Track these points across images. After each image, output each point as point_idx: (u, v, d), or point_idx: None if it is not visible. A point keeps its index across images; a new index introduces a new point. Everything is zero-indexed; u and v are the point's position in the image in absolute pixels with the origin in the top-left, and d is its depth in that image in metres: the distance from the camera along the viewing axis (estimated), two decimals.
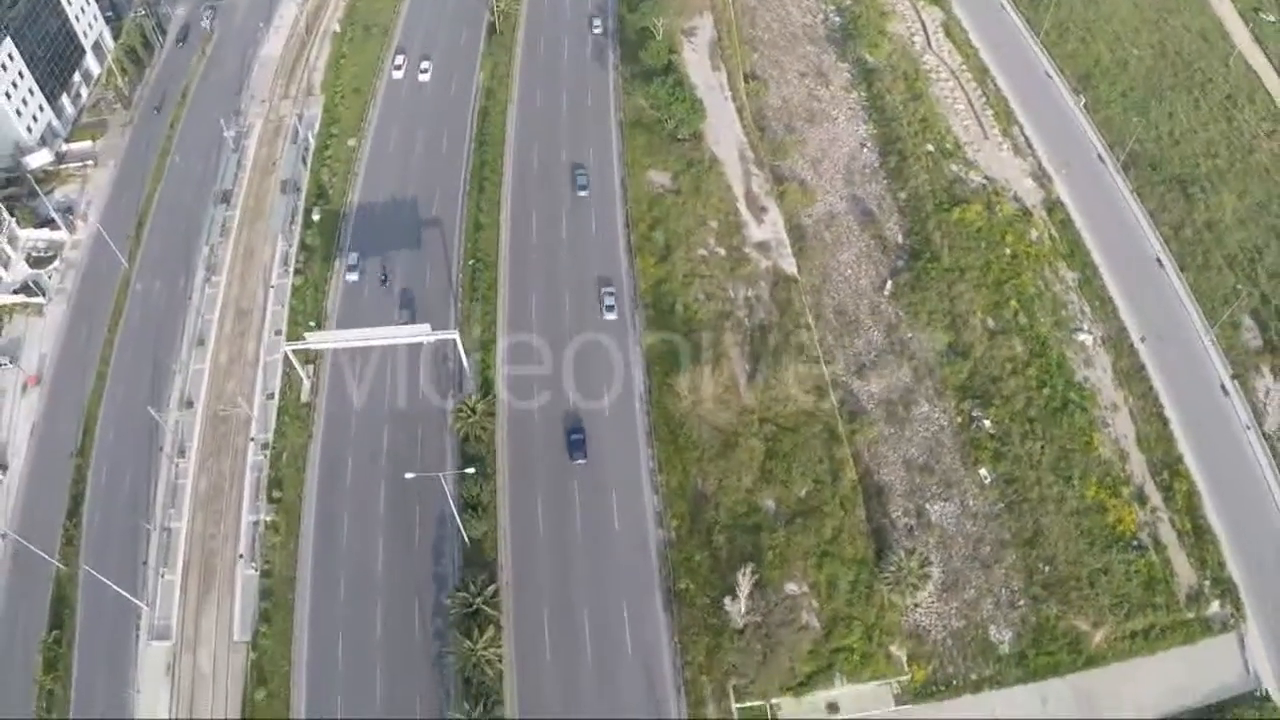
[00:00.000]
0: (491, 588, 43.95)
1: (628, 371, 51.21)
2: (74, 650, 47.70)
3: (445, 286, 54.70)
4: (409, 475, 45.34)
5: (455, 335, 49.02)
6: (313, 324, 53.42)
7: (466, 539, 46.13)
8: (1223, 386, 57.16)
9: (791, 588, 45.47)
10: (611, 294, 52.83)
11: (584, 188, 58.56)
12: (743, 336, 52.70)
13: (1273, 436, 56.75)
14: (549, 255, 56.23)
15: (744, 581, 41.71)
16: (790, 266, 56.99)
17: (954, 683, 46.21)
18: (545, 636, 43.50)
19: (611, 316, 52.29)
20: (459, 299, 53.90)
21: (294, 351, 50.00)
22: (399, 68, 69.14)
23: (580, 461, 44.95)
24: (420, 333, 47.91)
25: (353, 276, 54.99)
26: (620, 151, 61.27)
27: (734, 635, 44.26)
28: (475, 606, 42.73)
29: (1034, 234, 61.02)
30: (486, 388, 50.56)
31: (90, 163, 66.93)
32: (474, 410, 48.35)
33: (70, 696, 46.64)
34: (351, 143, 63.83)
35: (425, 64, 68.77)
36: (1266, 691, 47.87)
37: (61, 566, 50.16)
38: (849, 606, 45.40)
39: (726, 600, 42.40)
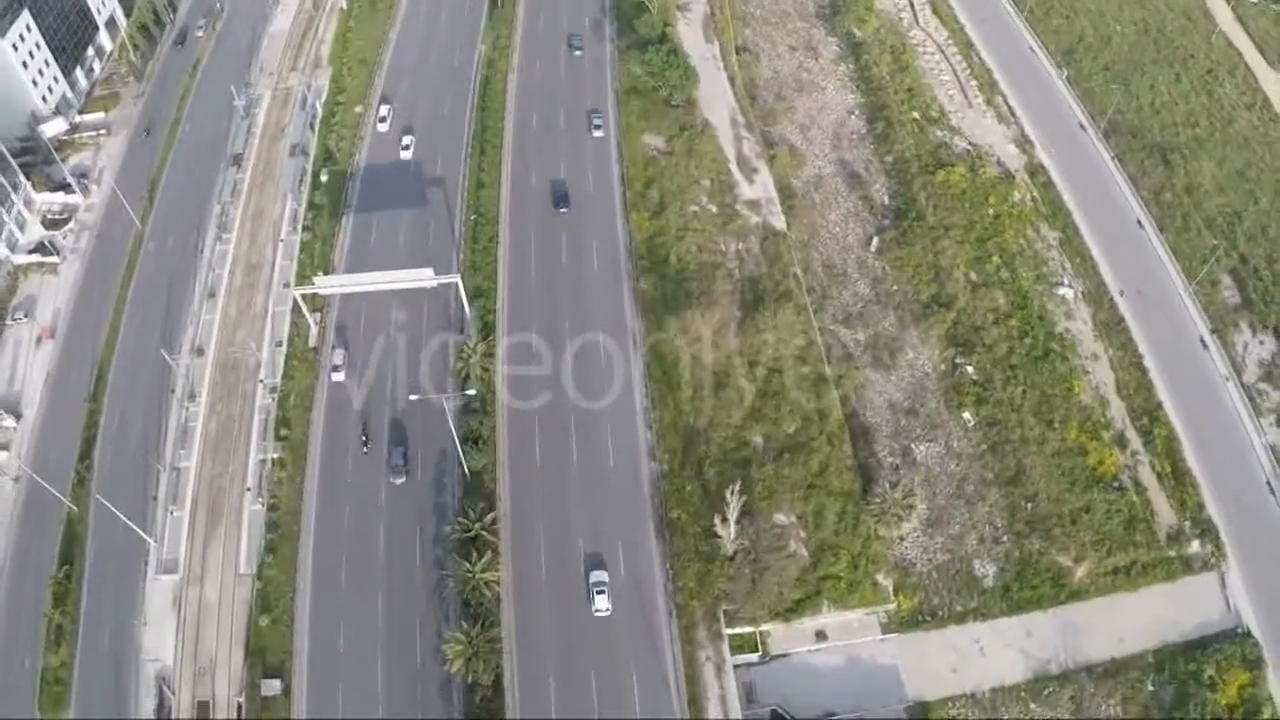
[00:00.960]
0: (490, 515, 46.89)
1: (621, 312, 54.44)
2: (83, 586, 50.61)
3: (448, 240, 58.08)
4: (413, 396, 48.80)
5: (457, 279, 52.19)
6: (321, 272, 56.64)
7: (467, 471, 49.08)
8: (1202, 340, 60.55)
9: (780, 518, 48.29)
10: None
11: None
12: (733, 286, 56.12)
13: (1251, 388, 60.07)
14: (546, 217, 58.82)
15: (732, 502, 44.45)
16: (780, 223, 60.58)
17: (939, 614, 49.08)
18: (541, 562, 46.11)
19: (605, 268, 55.28)
20: (461, 251, 57.20)
21: (302, 296, 53.32)
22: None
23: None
24: (424, 276, 50.90)
25: (338, 376, 51.14)
26: (616, 117, 65.01)
27: (724, 562, 47.17)
28: (474, 533, 45.69)
29: (1016, 196, 64.60)
30: (486, 331, 53.75)
31: (103, 132, 70.93)
32: (474, 350, 51.43)
33: (78, 630, 49.51)
34: (358, 109, 67.73)
35: (430, 36, 72.08)
36: (1247, 628, 50.38)
37: (73, 507, 53.12)
38: (836, 537, 48.16)
39: (715, 521, 45.12)
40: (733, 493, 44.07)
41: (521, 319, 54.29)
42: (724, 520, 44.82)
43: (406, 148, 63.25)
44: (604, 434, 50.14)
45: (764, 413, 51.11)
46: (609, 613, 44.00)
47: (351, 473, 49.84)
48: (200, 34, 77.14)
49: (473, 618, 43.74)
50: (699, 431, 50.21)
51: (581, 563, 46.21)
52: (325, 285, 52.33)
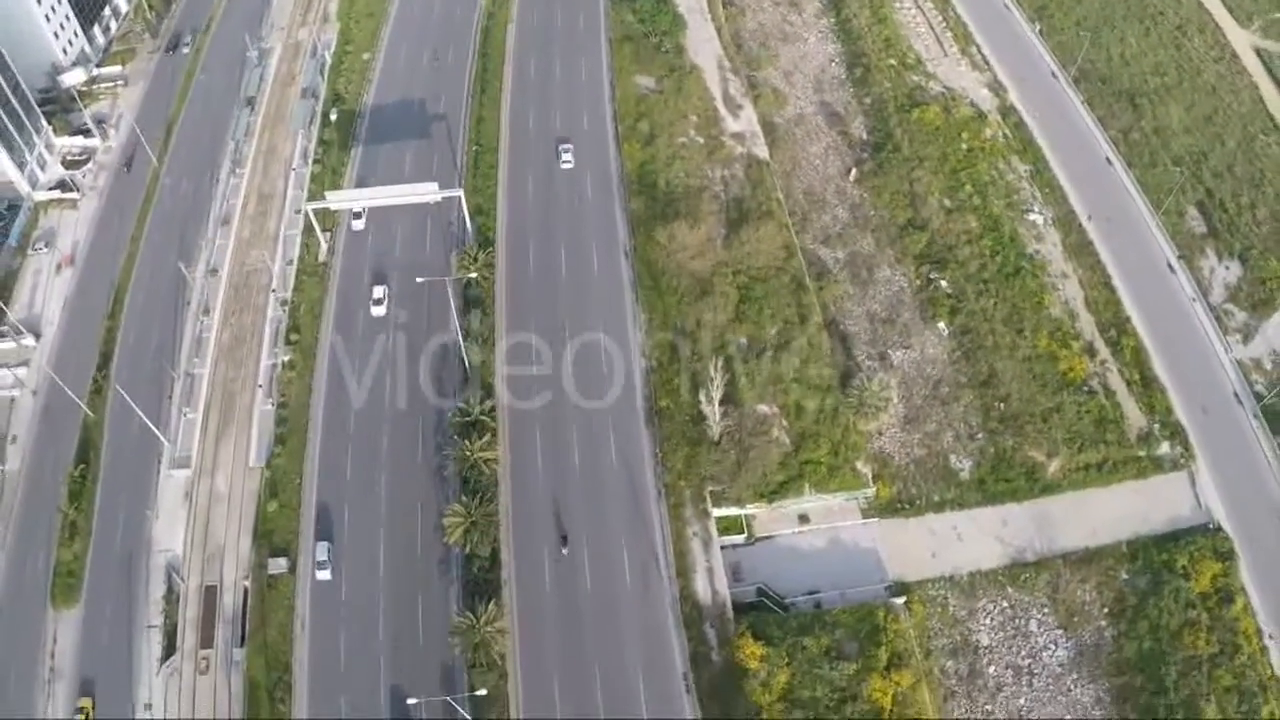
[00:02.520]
0: (489, 403, 51.87)
1: (613, 229, 60.14)
2: (98, 484, 55.35)
3: (451, 168, 63.89)
4: (420, 279, 54.07)
5: (460, 193, 58.26)
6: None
7: (468, 365, 54.21)
8: (1169, 264, 66.92)
9: (763, 409, 53.67)
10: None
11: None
12: (719, 207, 62.33)
13: (1218, 308, 66.05)
14: (544, 142, 65.46)
15: (716, 379, 49.37)
16: (763, 153, 67.02)
17: (917, 503, 54.26)
18: (537, 443, 51.11)
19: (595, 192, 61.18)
20: (463, 176, 63.08)
21: (314, 213, 58.83)
22: None
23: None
24: (429, 190, 56.55)
25: (324, 574, 48.49)
26: (609, 61, 71.84)
27: (710, 446, 52.26)
28: (474, 417, 50.53)
29: (988, 132, 71.10)
30: (486, 243, 59.42)
31: (121, 83, 77.32)
32: (475, 259, 57.19)
33: (91, 525, 53.97)
34: (366, 56, 74.65)
35: None
36: (1218, 524, 55.42)
37: (90, 413, 58.12)
38: (816, 426, 53.32)
39: (701, 399, 50.16)
40: (716, 369, 49.19)
41: (519, 234, 60.06)
42: (709, 399, 49.80)
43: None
44: (597, 338, 54.96)
45: (747, 315, 56.72)
46: (604, 486, 48.03)
47: (358, 369, 54.07)
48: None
49: (472, 493, 48.24)
50: (686, 332, 55.54)
51: (576, 447, 50.26)
52: (336, 200, 58.10)
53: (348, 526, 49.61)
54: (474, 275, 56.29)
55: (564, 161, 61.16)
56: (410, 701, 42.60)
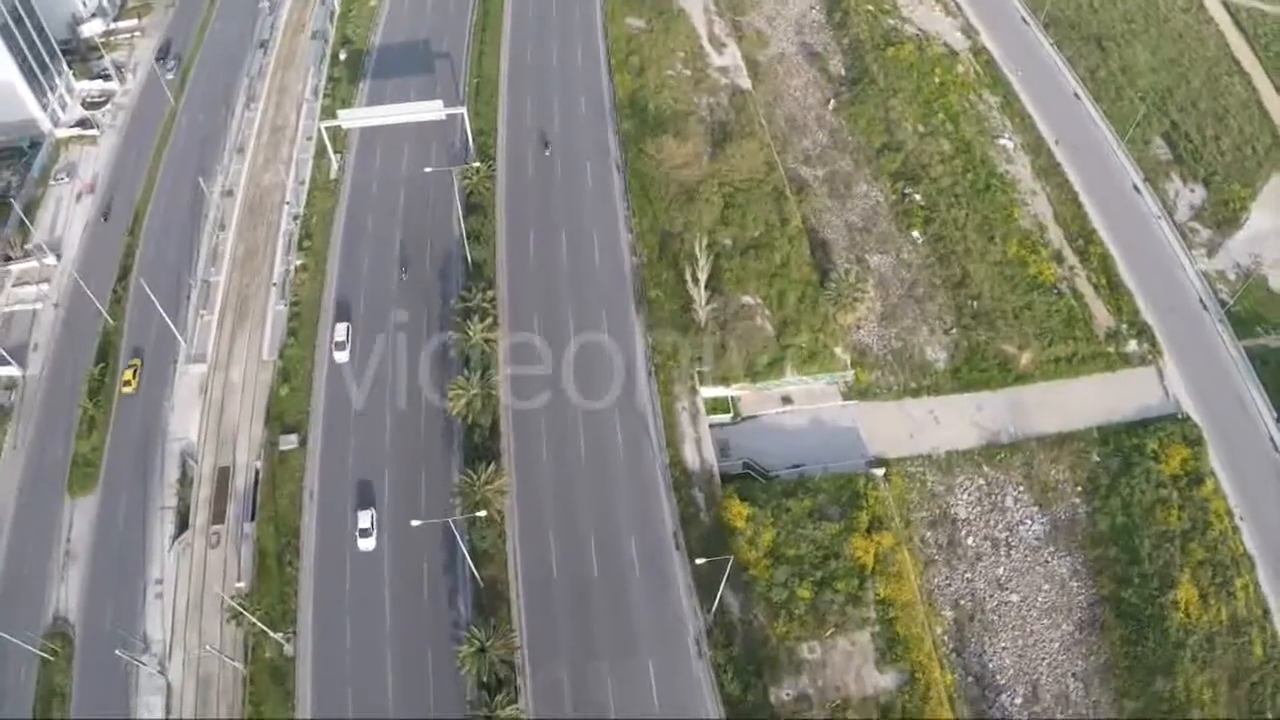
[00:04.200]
0: (490, 293, 57.95)
1: (605, 145, 66.96)
2: (117, 380, 60.69)
3: (454, 98, 70.21)
4: (427, 169, 61.00)
5: (463, 110, 65.37)
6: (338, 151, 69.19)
7: (470, 260, 60.52)
8: (1135, 187, 73.75)
9: (747, 299, 59.81)
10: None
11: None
12: (705, 128, 69.43)
13: (1183, 225, 72.21)
14: (540, 74, 73.06)
15: (701, 259, 54.81)
16: (746, 84, 74.40)
17: (895, 388, 60.01)
18: (535, 329, 56.83)
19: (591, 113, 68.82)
20: (465, 101, 69.33)
21: (325, 130, 65.40)
22: None
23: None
24: (434, 108, 63.24)
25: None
26: (602, 4, 79.30)
27: (697, 330, 58.20)
28: (475, 304, 56.46)
29: (960, 69, 78.40)
30: (487, 158, 66.04)
31: (138, 33, 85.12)
32: (477, 172, 63.88)
33: (109, 419, 59.37)
34: (373, 3, 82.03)
35: None
36: (1187, 414, 60.81)
37: (109, 319, 64.10)
38: (797, 314, 59.46)
39: (688, 279, 55.88)
40: (701, 249, 55.12)
41: (518, 152, 66.88)
42: (694, 280, 55.58)
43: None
44: (589, 237, 61.65)
45: (731, 219, 63.32)
46: (597, 368, 53.12)
47: (367, 270, 60.57)
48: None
49: (473, 369, 53.93)
50: (674, 234, 61.90)
51: (571, 331, 55.89)
52: (347, 118, 64.85)
53: (355, 405, 54.42)
54: (477, 167, 62.70)
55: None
56: (414, 523, 46.83)
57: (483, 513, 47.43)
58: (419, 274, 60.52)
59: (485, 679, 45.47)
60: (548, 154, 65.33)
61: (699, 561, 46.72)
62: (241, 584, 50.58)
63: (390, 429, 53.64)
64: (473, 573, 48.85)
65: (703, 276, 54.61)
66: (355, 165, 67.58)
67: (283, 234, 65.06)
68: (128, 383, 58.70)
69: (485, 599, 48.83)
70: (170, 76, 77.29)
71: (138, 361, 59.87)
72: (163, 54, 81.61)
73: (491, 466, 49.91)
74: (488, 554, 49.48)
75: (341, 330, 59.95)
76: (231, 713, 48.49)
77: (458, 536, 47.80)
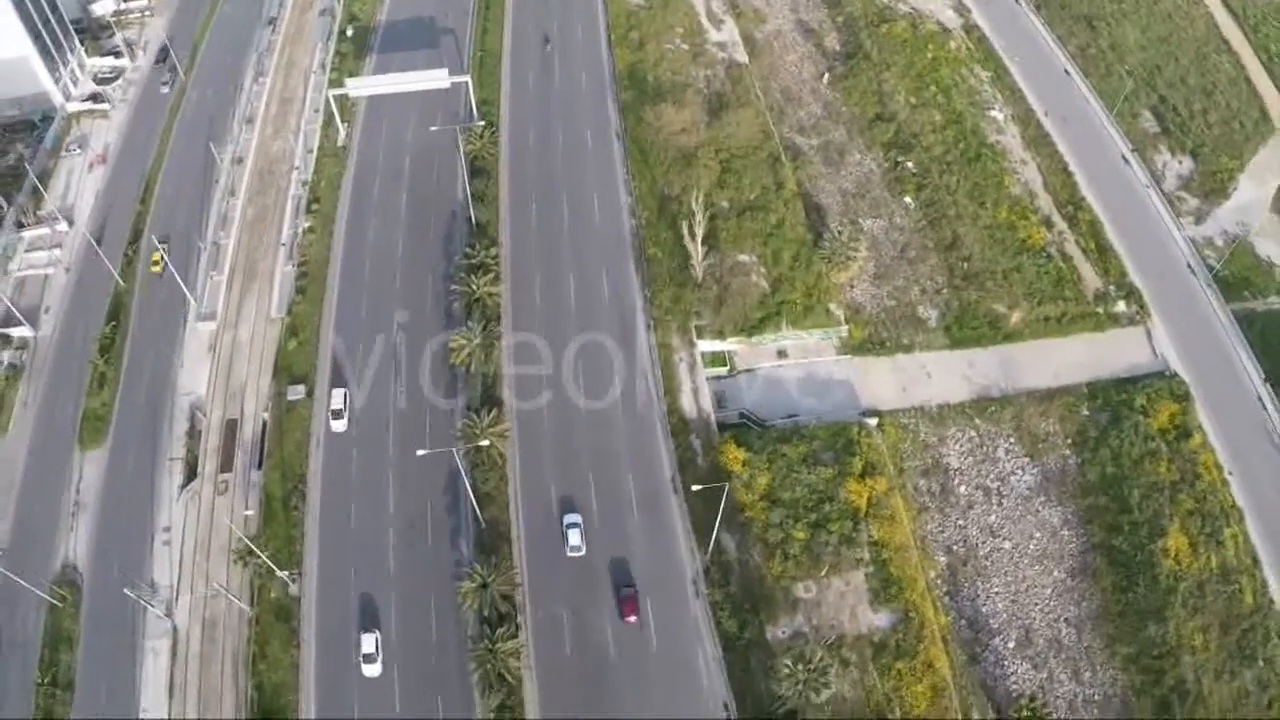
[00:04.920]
0: (493, 250, 61.04)
1: (605, 114, 70.16)
2: (127, 339, 63.69)
3: (458, 71, 72.58)
4: (434, 128, 63.94)
5: (467, 78, 69.00)
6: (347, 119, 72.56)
7: (474, 221, 63.31)
8: (1123, 157, 76.87)
9: (742, 257, 62.66)
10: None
11: None
12: (702, 99, 72.73)
13: (1171, 195, 75.20)
14: (542, 50, 76.13)
15: (698, 212, 57.56)
16: (743, 59, 77.72)
17: (887, 344, 62.79)
18: (536, 284, 59.80)
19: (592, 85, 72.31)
20: (469, 73, 73.15)
21: (334, 98, 68.74)
22: None
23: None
24: (439, 76, 66.56)
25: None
26: None
27: (694, 286, 61.09)
28: (479, 260, 59.31)
29: (952, 45, 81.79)
30: (491, 123, 69.16)
31: (148, 12, 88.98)
32: (481, 136, 67.18)
33: (120, 375, 61.93)
34: None
35: None
36: (1175, 372, 63.27)
37: (120, 281, 66.67)
38: (792, 272, 62.32)
39: (684, 232, 58.67)
40: (697, 203, 57.90)
41: (520, 120, 69.86)
42: (691, 235, 58.31)
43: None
44: (590, 199, 64.59)
45: (728, 183, 66.40)
46: (596, 318, 55.98)
47: (374, 232, 63.47)
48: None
49: (477, 319, 56.46)
50: (672, 197, 64.92)
51: (571, 287, 58.64)
52: (355, 86, 68.31)
53: (361, 359, 56.92)
54: (483, 125, 66.18)
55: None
56: (420, 452, 49.28)
57: (486, 442, 49.49)
58: (421, 236, 62.54)
59: (486, 613, 47.60)
60: (548, 48, 69.49)
61: (695, 489, 48.73)
62: (250, 512, 52.30)
63: (396, 373, 55.46)
64: (475, 513, 50.87)
65: (699, 232, 57.45)
66: (362, 133, 70.85)
67: (291, 198, 68.16)
68: (155, 263, 64.07)
69: (487, 539, 50.78)
70: (165, 90, 77.06)
71: (165, 247, 64.27)
72: (161, 57, 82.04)
73: (494, 411, 52.60)
74: (489, 496, 51.64)
75: (339, 397, 57.00)
76: (237, 653, 50.20)
77: (461, 471, 49.45)
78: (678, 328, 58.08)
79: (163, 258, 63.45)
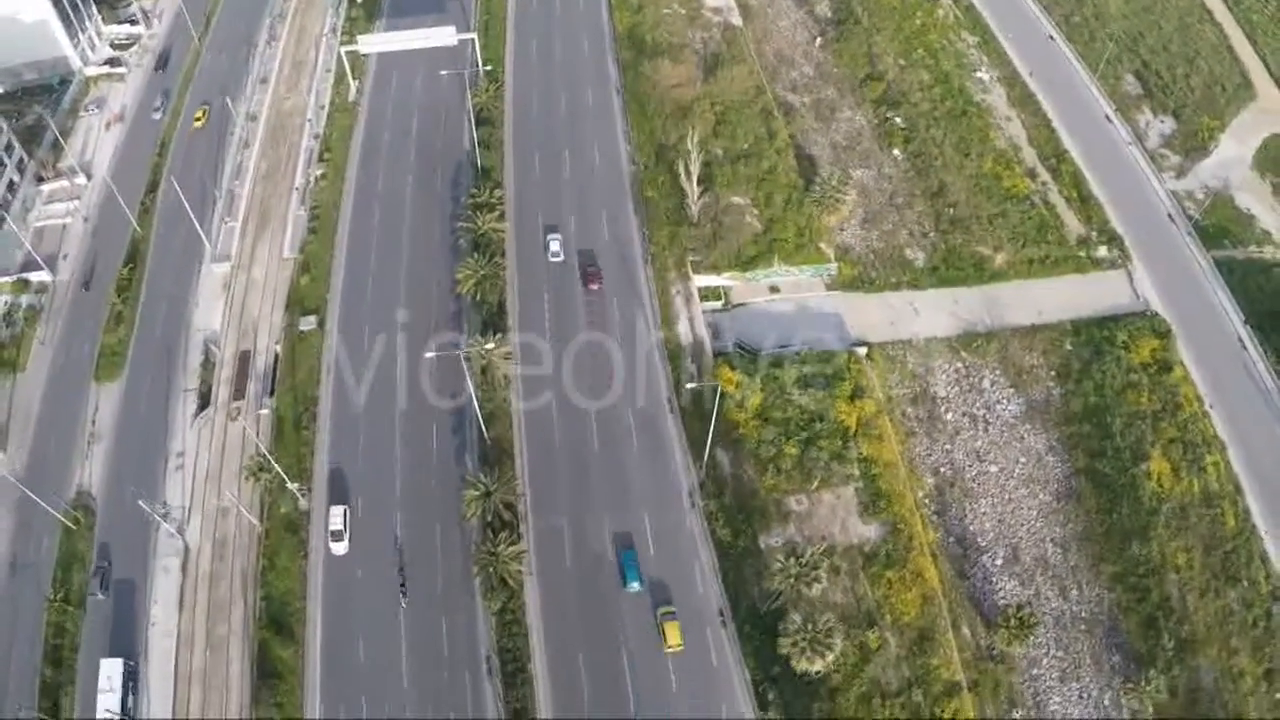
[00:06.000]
0: (498, 191, 65.64)
1: (605, 71, 75.08)
2: (143, 281, 68.03)
3: (462, 51, 77.78)
4: (443, 72, 69.02)
5: (473, 35, 74.09)
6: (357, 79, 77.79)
7: (480, 167, 67.98)
8: (1106, 116, 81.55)
9: (737, 199, 67.50)
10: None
11: None
12: (698, 58, 78.06)
13: (1154, 151, 79.42)
14: (545, 12, 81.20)
15: (693, 152, 61.72)
16: (738, 21, 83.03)
17: (876, 282, 67.26)
18: (538, 221, 63.81)
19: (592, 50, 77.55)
20: (475, 32, 77.66)
21: (346, 54, 73.57)
22: None
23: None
24: (447, 34, 71.52)
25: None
26: None
27: (690, 225, 65.66)
28: (483, 200, 63.92)
29: (940, 12, 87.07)
30: (495, 78, 74.14)
31: None
32: (487, 90, 72.36)
33: (136, 313, 66.07)
34: None
35: None
36: (1155, 311, 66.70)
37: (137, 228, 71.21)
38: (784, 213, 66.88)
39: (680, 173, 62.99)
40: (693, 143, 62.20)
41: (524, 76, 74.81)
42: (688, 174, 62.73)
43: None
44: (591, 148, 69.25)
45: (723, 132, 71.31)
46: (598, 256, 60.23)
47: (383, 178, 67.72)
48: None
49: (481, 251, 61.06)
50: (669, 145, 69.76)
51: (573, 232, 62.47)
52: (366, 43, 73.26)
53: (370, 291, 61.21)
54: (489, 69, 71.70)
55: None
56: (428, 355, 53.67)
57: (491, 345, 53.51)
58: (429, 178, 66.91)
59: (489, 519, 51.07)
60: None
61: (689, 385, 53.22)
62: (260, 412, 55.27)
63: (404, 298, 59.53)
64: (481, 431, 54.77)
65: (695, 170, 61.88)
66: (373, 89, 76.03)
67: (304, 150, 73.08)
68: (199, 119, 71.59)
69: (491, 455, 54.40)
70: (157, 117, 78.16)
71: (207, 107, 71.65)
72: (161, 64, 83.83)
73: (498, 335, 56.37)
74: (494, 415, 55.51)
75: (338, 517, 53.26)
76: (245, 568, 53.50)
77: (467, 374, 52.64)
78: (674, 263, 62.66)
79: (206, 114, 71.35)
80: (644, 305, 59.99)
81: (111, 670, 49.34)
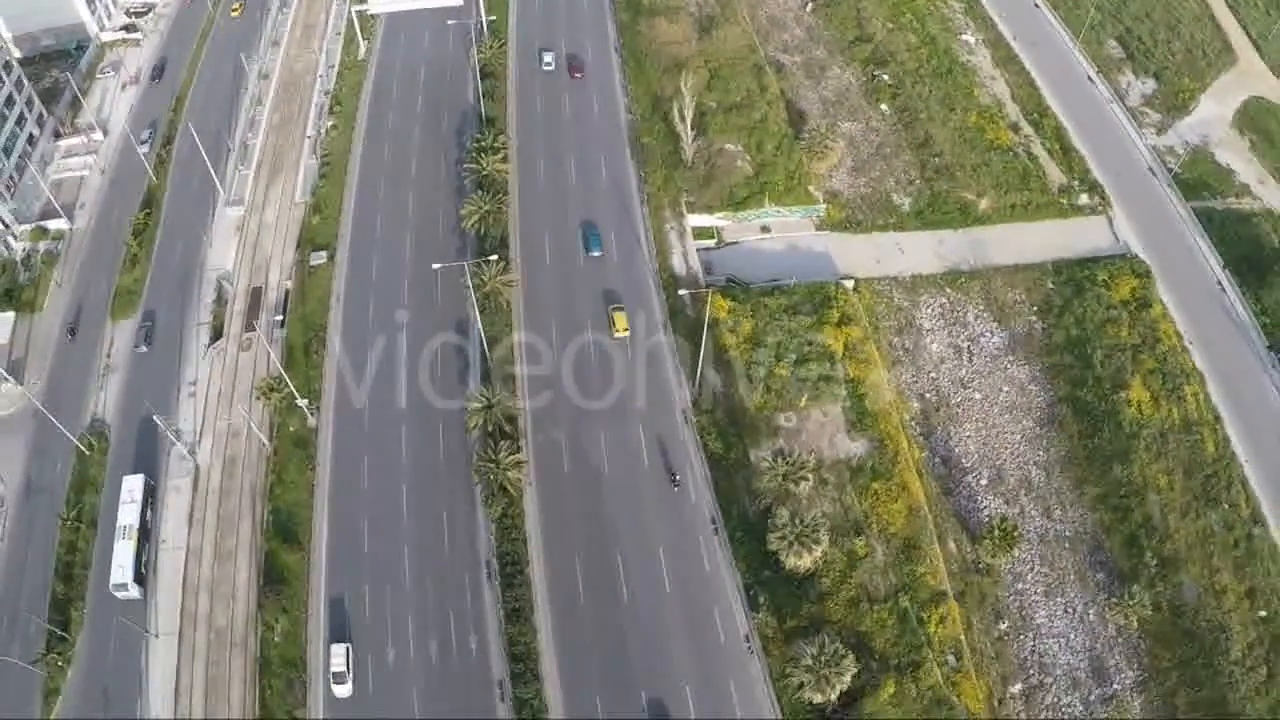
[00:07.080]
0: (501, 137, 70.32)
1: (604, 30, 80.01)
2: (159, 224, 72.54)
3: (468, 10, 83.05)
4: (450, 21, 73.98)
5: None
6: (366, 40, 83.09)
7: (484, 116, 72.74)
8: (1089, 77, 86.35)
9: (729, 146, 72.17)
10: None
11: None
12: (693, 21, 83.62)
13: (1135, 110, 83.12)
14: None
15: (687, 95, 66.28)
16: None
17: (863, 223, 71.51)
18: (540, 168, 68.46)
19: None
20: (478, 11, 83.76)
21: (356, 14, 78.75)
22: None
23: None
24: None
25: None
26: None
27: (684, 168, 70.33)
28: (487, 144, 68.55)
29: None
30: (499, 40, 79.28)
31: None
32: (490, 47, 77.74)
33: (151, 255, 70.35)
34: None
35: None
36: (1135, 254, 69.94)
37: (153, 178, 75.73)
38: (774, 160, 71.50)
39: (674, 116, 67.50)
40: (686, 86, 66.93)
41: (526, 35, 79.69)
42: (681, 117, 67.31)
43: None
44: (590, 98, 73.88)
45: (716, 86, 76.15)
46: (596, 195, 64.89)
47: (393, 125, 72.49)
48: None
49: (485, 190, 65.53)
50: (665, 97, 74.46)
51: (573, 174, 66.91)
52: (376, 4, 78.68)
53: (380, 228, 65.28)
54: (493, 19, 76.87)
55: None
56: (435, 266, 57.87)
57: (494, 257, 57.90)
58: (436, 125, 71.64)
59: (490, 430, 54.43)
60: None
61: (681, 293, 57.22)
62: (272, 340, 58.06)
63: (411, 236, 63.55)
64: (484, 351, 58.45)
65: (689, 115, 66.63)
66: (381, 47, 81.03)
67: (314, 105, 78.19)
68: (236, 10, 79.70)
69: (495, 374, 57.49)
70: (145, 150, 77.58)
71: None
72: (156, 74, 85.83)
73: (501, 263, 60.64)
74: (495, 339, 59.33)
75: (340, 656, 49.33)
76: (254, 485, 56.98)
77: (471, 292, 56.72)
78: (669, 202, 67.20)
79: (243, 3, 79.39)
80: (640, 240, 64.47)
81: (133, 485, 53.97)
